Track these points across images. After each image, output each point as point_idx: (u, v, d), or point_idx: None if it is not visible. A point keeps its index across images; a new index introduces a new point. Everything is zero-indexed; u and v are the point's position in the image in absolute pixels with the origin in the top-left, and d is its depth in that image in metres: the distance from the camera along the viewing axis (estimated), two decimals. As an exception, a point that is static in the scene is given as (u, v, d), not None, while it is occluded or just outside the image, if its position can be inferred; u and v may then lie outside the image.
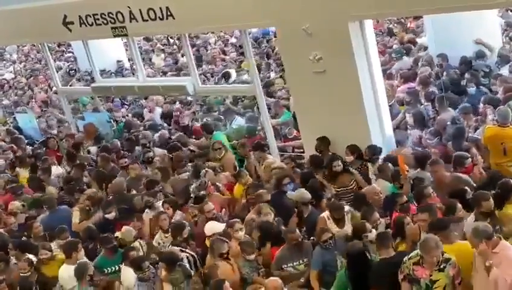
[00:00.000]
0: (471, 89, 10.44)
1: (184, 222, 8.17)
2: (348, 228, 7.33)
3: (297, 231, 7.30)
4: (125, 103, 14.89)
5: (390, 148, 9.30)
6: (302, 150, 10.19)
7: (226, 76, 13.62)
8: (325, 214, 7.59)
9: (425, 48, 12.49)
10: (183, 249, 7.69)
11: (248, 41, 10.72)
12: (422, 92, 10.56)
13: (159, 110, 13.81)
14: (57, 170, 11.52)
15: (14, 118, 15.46)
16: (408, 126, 10.11)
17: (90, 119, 13.65)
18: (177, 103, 13.83)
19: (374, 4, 8.41)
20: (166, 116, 13.51)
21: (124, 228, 8.31)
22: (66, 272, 7.77)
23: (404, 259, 6.12)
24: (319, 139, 9.37)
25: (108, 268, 7.91)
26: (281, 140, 11.09)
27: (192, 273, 7.36)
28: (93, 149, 12.29)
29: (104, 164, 11.09)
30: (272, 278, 6.74)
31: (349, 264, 6.59)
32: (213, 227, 7.93)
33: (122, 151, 11.55)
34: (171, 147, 11.01)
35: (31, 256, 8.20)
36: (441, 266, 5.91)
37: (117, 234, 8.29)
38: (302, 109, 9.94)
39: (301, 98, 9.83)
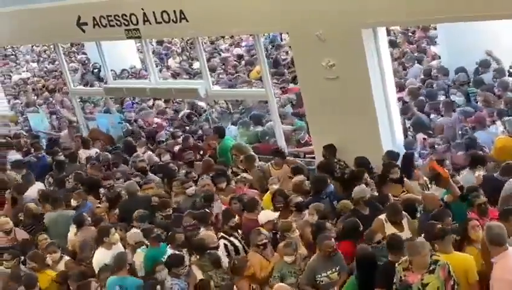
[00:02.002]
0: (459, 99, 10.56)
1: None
2: (407, 232, 7.09)
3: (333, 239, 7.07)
4: (136, 103, 14.86)
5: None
6: (313, 156, 10.17)
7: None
8: (383, 216, 7.34)
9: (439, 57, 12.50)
10: (225, 236, 7.76)
11: (261, 46, 10.72)
12: (412, 102, 10.72)
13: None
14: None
15: (26, 118, 15.51)
16: (409, 132, 10.15)
17: (102, 121, 13.69)
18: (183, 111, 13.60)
19: (388, 12, 8.41)
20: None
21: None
22: (102, 257, 7.84)
23: (396, 265, 6.12)
24: (326, 147, 9.37)
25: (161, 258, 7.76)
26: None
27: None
28: (84, 154, 12.09)
29: (93, 172, 10.90)
30: (280, 284, 6.69)
31: (359, 269, 6.57)
32: (267, 215, 7.89)
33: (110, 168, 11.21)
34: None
35: None
36: (431, 268, 5.92)
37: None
38: (313, 114, 9.92)
39: (313, 104, 9.82)
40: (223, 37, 17.91)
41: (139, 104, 14.68)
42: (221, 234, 7.95)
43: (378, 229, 7.09)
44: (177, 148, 11.56)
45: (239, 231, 8.09)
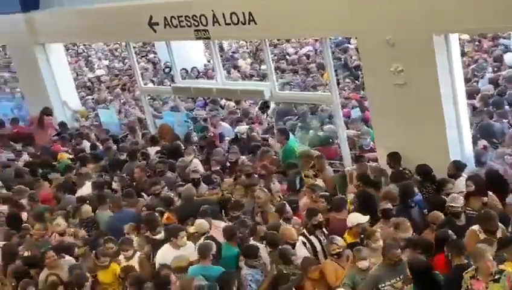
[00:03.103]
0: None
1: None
2: None
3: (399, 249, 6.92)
4: (207, 102, 15.04)
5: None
6: (377, 163, 10.03)
7: (265, 106, 13.32)
8: (476, 227, 7.03)
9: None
10: (306, 234, 7.77)
11: (328, 49, 10.67)
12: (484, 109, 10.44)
13: (224, 125, 13.20)
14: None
15: (97, 113, 15.95)
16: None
17: (169, 118, 13.92)
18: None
19: (461, 18, 8.21)
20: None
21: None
22: (166, 254, 7.96)
23: (463, 274, 6.05)
24: (390, 154, 9.21)
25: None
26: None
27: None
28: (152, 151, 12.16)
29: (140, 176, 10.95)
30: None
31: (415, 281, 6.45)
32: (357, 218, 7.75)
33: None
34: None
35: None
36: (496, 277, 5.85)
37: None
38: (379, 120, 9.80)
39: (379, 109, 9.69)
40: (287, 40, 17.89)
41: (210, 104, 14.83)
42: (303, 231, 7.92)
43: (472, 240, 6.81)
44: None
45: (324, 230, 7.97)
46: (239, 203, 8.96)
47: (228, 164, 11.10)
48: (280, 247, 7.42)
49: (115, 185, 10.89)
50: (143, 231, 8.83)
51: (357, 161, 9.72)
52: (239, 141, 12.11)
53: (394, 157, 9.16)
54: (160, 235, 8.46)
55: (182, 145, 12.03)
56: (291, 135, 11.31)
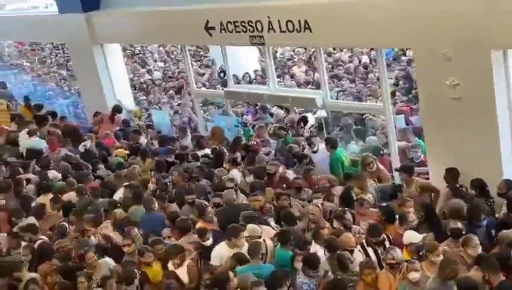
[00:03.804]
0: None
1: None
2: None
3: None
4: (257, 109, 15.11)
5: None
6: (427, 177, 9.90)
7: (303, 121, 12.92)
8: None
9: None
10: (364, 245, 7.76)
11: (383, 60, 10.60)
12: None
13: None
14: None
15: (149, 114, 16.22)
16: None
17: (220, 122, 14.05)
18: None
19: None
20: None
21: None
22: (222, 252, 8.11)
23: None
24: (448, 169, 9.05)
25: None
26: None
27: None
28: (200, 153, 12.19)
29: (178, 181, 10.95)
30: None
31: None
32: (411, 236, 7.68)
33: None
34: None
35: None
36: None
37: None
38: (432, 134, 9.68)
39: (433, 123, 9.57)
40: (341, 50, 17.83)
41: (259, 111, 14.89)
42: (363, 241, 7.90)
43: None
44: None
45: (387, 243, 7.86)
46: (293, 217, 8.80)
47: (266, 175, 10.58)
48: (338, 252, 7.44)
49: (151, 186, 10.99)
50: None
51: (409, 174, 9.53)
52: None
53: (452, 173, 9.01)
54: (210, 242, 8.52)
55: (227, 151, 12.01)
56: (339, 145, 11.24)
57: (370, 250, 7.79)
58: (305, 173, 10.32)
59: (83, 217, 9.94)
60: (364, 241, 7.91)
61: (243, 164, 11.46)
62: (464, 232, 7.56)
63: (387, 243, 7.82)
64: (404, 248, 7.60)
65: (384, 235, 7.91)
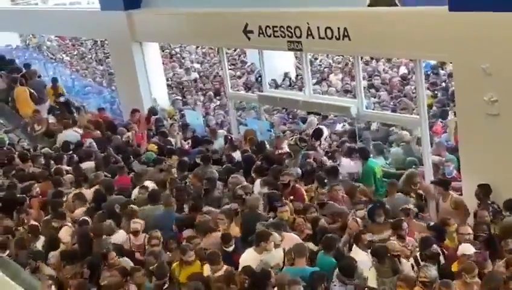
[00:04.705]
0: None
1: None
2: None
3: None
4: (289, 116, 15.07)
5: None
6: (459, 193, 9.73)
7: (318, 133, 12.47)
8: None
9: None
10: (418, 259, 7.71)
11: (421, 71, 10.46)
12: None
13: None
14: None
15: (183, 114, 16.29)
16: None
17: (252, 126, 14.05)
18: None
19: None
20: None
21: None
22: (251, 259, 8.08)
23: None
24: (480, 186, 8.90)
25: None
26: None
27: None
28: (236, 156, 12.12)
29: (195, 182, 10.86)
30: None
31: None
32: (465, 249, 7.58)
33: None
34: None
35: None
36: None
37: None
38: (467, 150, 9.52)
39: (469, 138, 9.43)
40: (377, 60, 17.68)
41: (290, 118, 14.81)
42: (417, 255, 7.84)
43: None
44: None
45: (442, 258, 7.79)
46: (327, 229, 8.67)
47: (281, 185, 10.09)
48: (391, 258, 7.51)
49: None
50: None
51: (446, 188, 9.37)
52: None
53: (484, 189, 8.86)
54: (232, 248, 8.52)
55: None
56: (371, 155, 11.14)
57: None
58: (331, 189, 9.88)
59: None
60: (418, 254, 7.79)
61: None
62: None
63: (441, 258, 7.71)
64: (458, 260, 7.50)
65: (438, 248, 7.73)
